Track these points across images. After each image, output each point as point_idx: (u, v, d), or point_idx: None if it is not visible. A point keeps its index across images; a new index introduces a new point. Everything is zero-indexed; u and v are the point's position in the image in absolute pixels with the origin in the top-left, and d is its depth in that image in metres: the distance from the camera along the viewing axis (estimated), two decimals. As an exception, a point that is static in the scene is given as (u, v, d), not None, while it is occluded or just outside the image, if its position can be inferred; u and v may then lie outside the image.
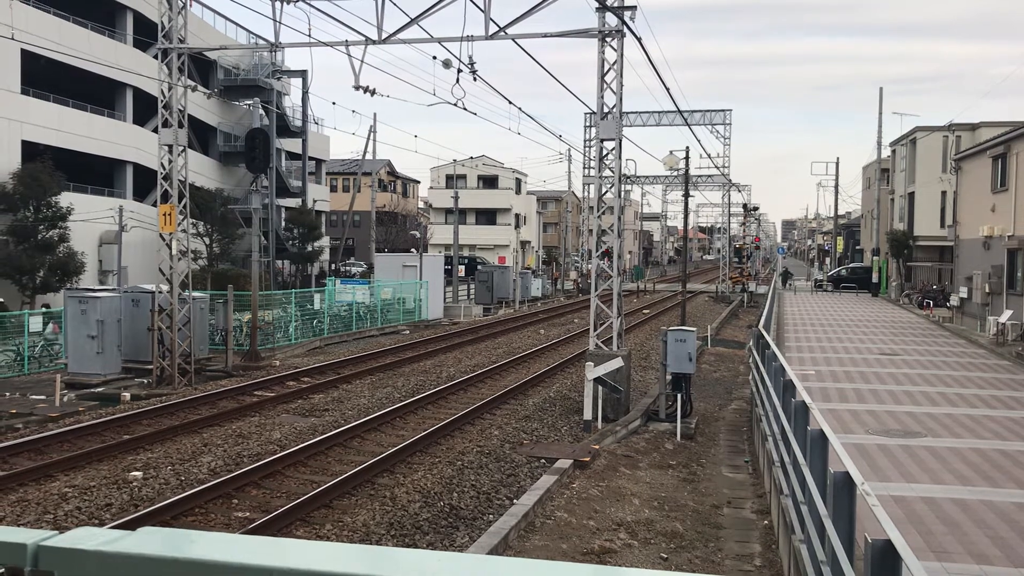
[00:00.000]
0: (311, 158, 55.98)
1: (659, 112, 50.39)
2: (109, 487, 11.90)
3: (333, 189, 74.79)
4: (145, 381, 21.07)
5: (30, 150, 33.28)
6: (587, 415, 16.10)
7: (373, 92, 20.43)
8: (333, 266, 55.63)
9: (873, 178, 55.67)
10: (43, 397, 19.03)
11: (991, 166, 30.56)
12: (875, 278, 51.56)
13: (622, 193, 19.53)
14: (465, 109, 20.89)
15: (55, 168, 31.99)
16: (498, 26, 17.96)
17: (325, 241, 57.07)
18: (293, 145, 53.38)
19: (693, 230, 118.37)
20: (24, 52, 32.03)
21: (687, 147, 38.46)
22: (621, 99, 17.69)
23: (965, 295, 32.74)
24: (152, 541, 1.38)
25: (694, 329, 18.07)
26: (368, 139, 52.32)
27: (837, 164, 77.90)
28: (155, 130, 23.78)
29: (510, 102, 24.21)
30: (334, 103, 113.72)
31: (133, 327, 21.90)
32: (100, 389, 20.30)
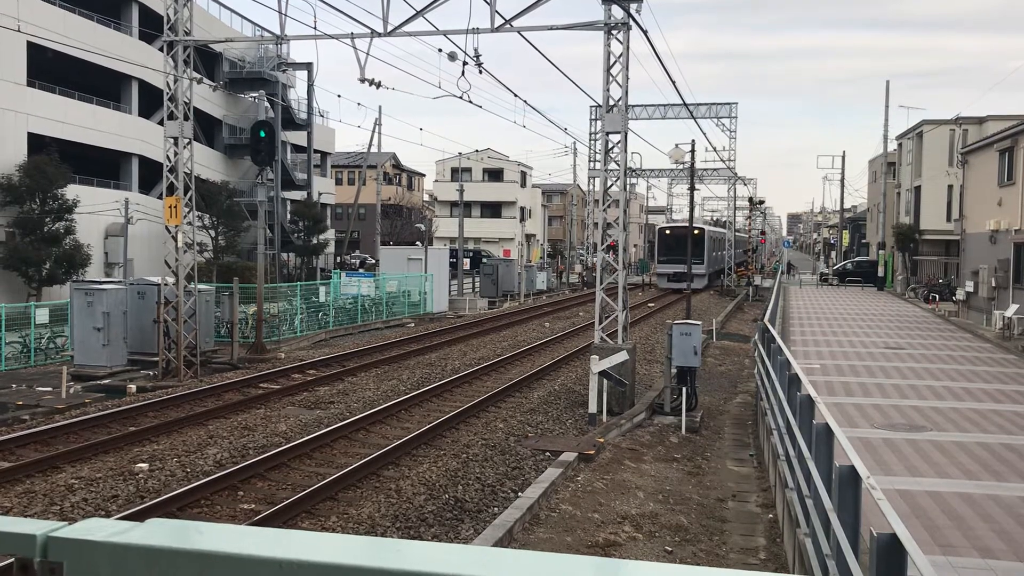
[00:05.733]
0: (316, 151, 55.97)
1: (665, 105, 50.27)
2: (115, 479, 11.95)
3: (338, 182, 74.84)
4: (151, 373, 21.13)
5: (36, 142, 33.33)
6: (592, 408, 16.11)
7: (378, 85, 20.43)
8: (339, 259, 55.69)
9: (879, 172, 55.57)
10: (49, 389, 19.10)
11: (998, 160, 30.46)
12: (880, 272, 51.48)
13: (627, 186, 19.50)
14: (471, 102, 20.89)
15: (61, 160, 32.04)
16: (503, 19, 17.95)
17: (330, 234, 57.08)
18: (298, 138, 53.38)
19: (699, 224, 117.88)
20: (30, 44, 32.05)
21: (692, 140, 38.38)
22: (627, 92, 17.66)
23: (971, 289, 32.67)
24: (160, 532, 1.38)
25: (699, 323, 18.05)
26: (373, 132, 52.20)
27: (843, 158, 77.78)
28: (160, 122, 23.81)
29: (515, 95, 24.19)
30: (339, 96, 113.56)
31: (139, 319, 21.97)
32: (106, 381, 20.37)
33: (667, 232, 54.80)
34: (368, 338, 28.96)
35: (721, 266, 60.32)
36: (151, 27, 37.95)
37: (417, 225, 62.03)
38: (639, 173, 61.44)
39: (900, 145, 52.59)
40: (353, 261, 56.80)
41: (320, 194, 55.49)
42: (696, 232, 47.18)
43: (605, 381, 16.50)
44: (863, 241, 69.32)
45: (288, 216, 50.88)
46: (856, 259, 63.61)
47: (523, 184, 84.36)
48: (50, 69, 35.02)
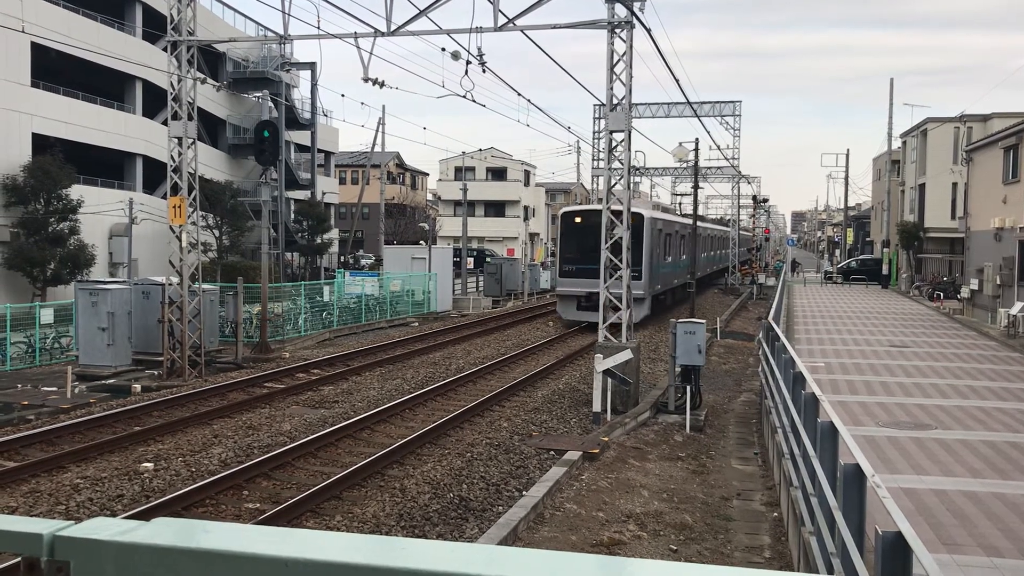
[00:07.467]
0: (320, 150, 55.99)
1: (669, 104, 50.20)
2: (120, 478, 11.97)
3: (342, 181, 74.84)
4: (155, 373, 21.16)
5: (40, 143, 33.38)
6: (596, 407, 16.11)
7: (382, 84, 20.44)
8: (343, 258, 55.73)
9: (883, 170, 55.48)
10: (54, 389, 19.13)
11: (1003, 157, 30.39)
12: (885, 270, 51.39)
13: (631, 185, 19.49)
14: (474, 101, 20.89)
15: (65, 161, 32.10)
16: (507, 17, 17.94)
17: (334, 233, 57.09)
18: (302, 137, 53.42)
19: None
20: (34, 45, 32.10)
21: (696, 139, 38.27)
22: (630, 90, 17.65)
23: (976, 287, 32.60)
24: (166, 531, 1.39)
25: (703, 321, 18.04)
26: (377, 131, 52.17)
27: (847, 156, 77.79)
28: (164, 122, 23.83)
29: (519, 94, 24.22)
30: (343, 95, 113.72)
31: (143, 319, 22.00)
32: (111, 381, 20.41)
33: (576, 220, 31.92)
34: (372, 337, 28.98)
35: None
36: (155, 27, 38.01)
37: (421, 224, 61.99)
38: (643, 171, 61.36)
39: (904, 143, 52.50)
40: (365, 261, 56.74)
41: (324, 193, 55.49)
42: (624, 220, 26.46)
43: (609, 380, 16.50)
44: (867, 239, 69.21)
45: (292, 216, 50.91)
46: (860, 257, 63.52)
47: (527, 183, 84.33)
48: (54, 69, 35.07)
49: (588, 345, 24.05)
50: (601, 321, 18.30)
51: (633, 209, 25.77)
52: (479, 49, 18.51)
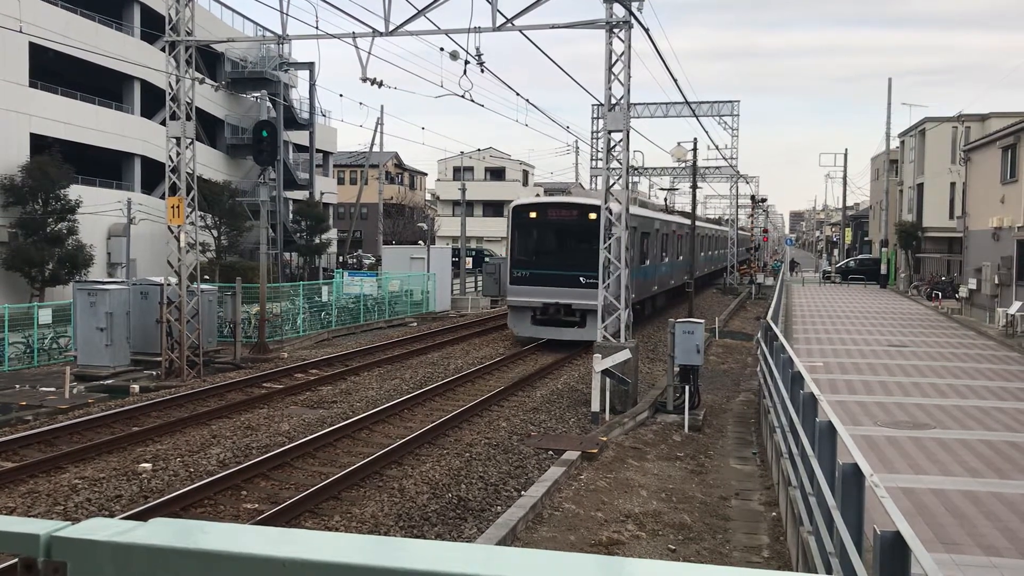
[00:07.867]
0: (318, 150, 55.97)
1: (667, 103, 50.16)
2: (119, 479, 11.96)
3: (340, 181, 74.83)
4: (154, 373, 21.15)
5: (38, 143, 33.37)
6: (595, 407, 16.11)
7: (380, 84, 20.44)
8: (342, 258, 55.70)
9: (882, 169, 55.51)
10: (53, 389, 19.11)
11: (1001, 157, 30.42)
12: (883, 270, 51.43)
13: (629, 184, 19.47)
14: (472, 101, 20.88)
15: (63, 161, 32.08)
16: (505, 17, 17.95)
17: (333, 233, 57.07)
18: (300, 137, 53.40)
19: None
20: (32, 45, 32.08)
21: (695, 139, 38.29)
22: (629, 90, 17.66)
23: (974, 286, 32.63)
24: (164, 532, 1.38)
25: (702, 321, 18.04)
26: (375, 131, 52.17)
27: (845, 155, 77.82)
28: (163, 123, 23.81)
29: (517, 94, 24.24)
30: (341, 95, 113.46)
31: (142, 319, 21.99)
32: (109, 381, 20.39)
33: (531, 216, 26.35)
34: (371, 337, 28.96)
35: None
36: (153, 27, 37.98)
37: (419, 224, 62.04)
38: (641, 171, 61.37)
39: (903, 143, 52.53)
40: (366, 261, 56.68)
41: (322, 193, 55.49)
42: (592, 217, 22.55)
43: (608, 379, 16.50)
44: (866, 239, 69.25)
45: (290, 216, 50.90)
46: (859, 257, 63.54)
47: (525, 183, 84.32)
48: (52, 70, 35.04)
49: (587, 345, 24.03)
50: (600, 320, 18.28)
51: (593, 202, 22.07)
52: (477, 49, 18.53)
